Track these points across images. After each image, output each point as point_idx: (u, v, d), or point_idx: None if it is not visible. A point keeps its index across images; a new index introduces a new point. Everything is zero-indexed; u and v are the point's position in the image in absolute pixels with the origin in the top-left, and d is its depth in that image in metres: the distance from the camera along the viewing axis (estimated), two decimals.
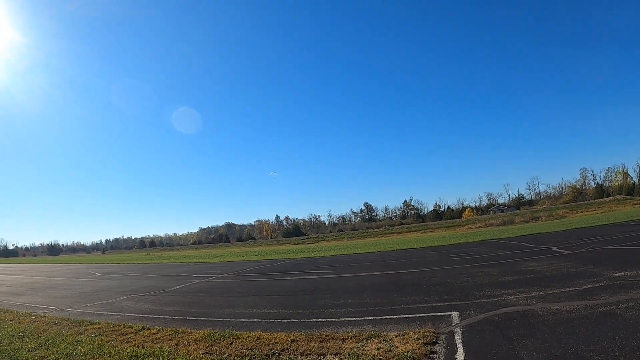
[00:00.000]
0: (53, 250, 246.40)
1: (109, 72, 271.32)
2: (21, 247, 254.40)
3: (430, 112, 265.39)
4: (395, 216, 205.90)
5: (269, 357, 7.36)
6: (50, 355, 8.39)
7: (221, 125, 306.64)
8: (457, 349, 6.86)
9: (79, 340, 9.53)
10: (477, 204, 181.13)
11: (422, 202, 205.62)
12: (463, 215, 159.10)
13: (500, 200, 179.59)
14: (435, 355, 6.66)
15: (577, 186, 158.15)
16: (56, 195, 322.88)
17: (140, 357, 7.87)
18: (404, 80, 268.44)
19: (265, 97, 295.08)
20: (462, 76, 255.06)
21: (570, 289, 10.66)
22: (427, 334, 7.79)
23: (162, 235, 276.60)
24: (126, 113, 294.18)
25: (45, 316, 13.30)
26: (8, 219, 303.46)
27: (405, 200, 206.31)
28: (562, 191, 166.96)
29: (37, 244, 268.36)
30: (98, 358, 7.99)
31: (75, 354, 8.38)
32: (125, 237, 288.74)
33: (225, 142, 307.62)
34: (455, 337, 7.58)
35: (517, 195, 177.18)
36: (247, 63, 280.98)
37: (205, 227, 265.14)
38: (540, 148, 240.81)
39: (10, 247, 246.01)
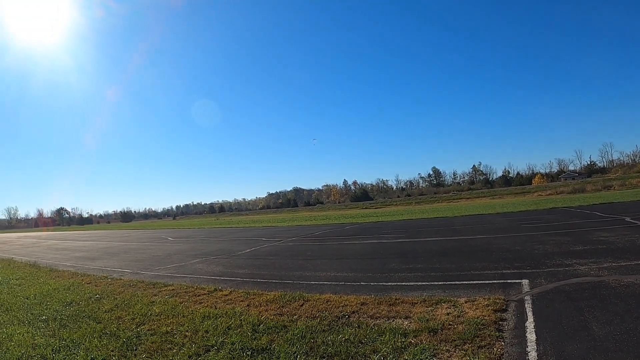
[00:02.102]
0: (126, 217, 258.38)
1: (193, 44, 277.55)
2: (95, 215, 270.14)
3: (499, 75, 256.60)
4: (463, 181, 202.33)
5: (338, 319, 7.46)
6: (126, 316, 8.83)
7: (286, 92, 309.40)
8: (527, 317, 6.74)
9: (153, 302, 10.00)
10: (547, 171, 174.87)
11: (490, 167, 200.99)
12: (532, 182, 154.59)
13: (571, 167, 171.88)
14: (505, 323, 6.56)
15: None
16: (128, 164, 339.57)
17: (213, 317, 8.15)
18: (470, 43, 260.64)
19: (334, 64, 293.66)
20: (532, 38, 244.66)
21: None
22: (497, 301, 7.68)
23: (231, 201, 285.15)
24: (197, 79, 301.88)
25: (121, 279, 14.02)
26: (83, 189, 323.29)
27: (474, 166, 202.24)
28: (636, 159, 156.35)
29: (110, 211, 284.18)
30: (172, 318, 8.34)
31: (150, 314, 8.79)
32: (195, 202, 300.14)
33: (293, 106, 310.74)
34: (526, 305, 7.44)
35: (588, 162, 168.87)
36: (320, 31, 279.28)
37: (274, 192, 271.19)
38: (613, 111, 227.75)
39: (85, 215, 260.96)
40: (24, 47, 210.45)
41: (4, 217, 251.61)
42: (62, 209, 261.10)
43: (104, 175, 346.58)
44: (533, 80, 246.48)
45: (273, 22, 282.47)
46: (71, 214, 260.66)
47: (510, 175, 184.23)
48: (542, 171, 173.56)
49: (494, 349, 5.51)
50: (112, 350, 6.64)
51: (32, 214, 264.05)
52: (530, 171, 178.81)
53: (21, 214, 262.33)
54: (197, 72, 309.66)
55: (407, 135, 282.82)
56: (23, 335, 7.98)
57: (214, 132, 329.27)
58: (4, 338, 7.92)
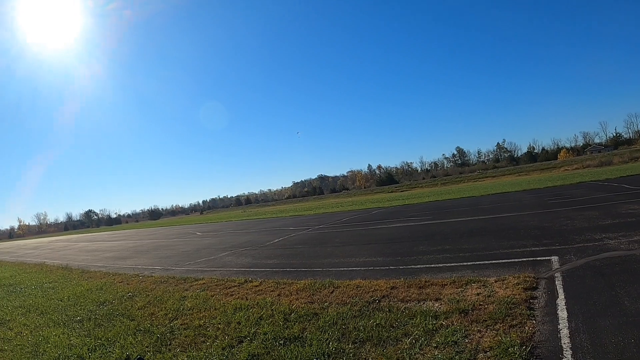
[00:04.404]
0: (153, 215, 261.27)
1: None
2: (123, 215, 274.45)
3: (519, 50, 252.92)
4: (488, 160, 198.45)
5: (369, 304, 7.51)
6: (159, 312, 9.02)
7: (308, 77, 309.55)
8: (557, 294, 6.70)
9: (185, 296, 10.18)
10: (573, 145, 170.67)
11: (515, 144, 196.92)
12: (558, 157, 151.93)
13: (596, 140, 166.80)
14: (536, 301, 6.53)
15: None
16: (153, 163, 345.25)
17: (244, 308, 8.28)
18: (490, 17, 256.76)
19: (354, 48, 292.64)
20: (552, 8, 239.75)
21: None
22: (527, 279, 7.64)
23: (256, 192, 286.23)
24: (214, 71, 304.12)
25: (152, 276, 14.24)
26: (110, 190, 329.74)
27: (498, 143, 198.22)
28: None
29: (138, 210, 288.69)
30: (204, 312, 8.49)
31: (183, 309, 8.95)
32: (221, 196, 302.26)
33: (312, 94, 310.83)
34: (556, 282, 7.40)
35: (614, 134, 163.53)
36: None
37: (299, 181, 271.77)
38: (637, 80, 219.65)
39: (114, 215, 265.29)
40: (41, 55, 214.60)
41: (34, 223, 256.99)
42: (90, 211, 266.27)
43: (130, 176, 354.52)
44: (554, 52, 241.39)
45: (296, 12, 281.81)
46: (99, 216, 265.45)
47: (535, 151, 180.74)
48: (568, 145, 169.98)
49: (526, 327, 5.50)
50: (146, 346, 6.80)
51: (62, 218, 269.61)
52: (556, 146, 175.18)
53: (50, 218, 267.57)
54: (219, 68, 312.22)
55: (429, 116, 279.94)
56: (59, 336, 8.20)
57: (236, 126, 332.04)
58: (41, 340, 8.14)
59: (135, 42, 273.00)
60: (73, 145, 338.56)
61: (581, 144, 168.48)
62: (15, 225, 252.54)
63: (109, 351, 6.89)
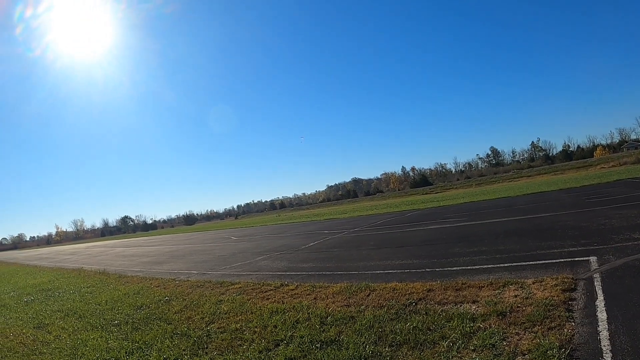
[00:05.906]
0: (189, 220, 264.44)
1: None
2: (159, 220, 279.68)
3: (553, 46, 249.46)
4: (522, 159, 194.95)
5: (405, 307, 7.51)
6: (195, 316, 9.17)
7: (341, 80, 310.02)
8: (597, 295, 6.61)
9: (221, 300, 10.32)
10: (609, 141, 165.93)
11: (549, 142, 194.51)
12: (594, 154, 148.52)
13: (633, 136, 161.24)
14: (575, 302, 6.45)
15: None
16: (188, 169, 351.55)
17: (280, 312, 8.37)
18: (524, 16, 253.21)
19: (384, 50, 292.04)
20: (585, 9, 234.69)
21: None
22: (565, 280, 7.56)
23: (291, 197, 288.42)
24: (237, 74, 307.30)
25: (188, 280, 14.46)
26: (145, 196, 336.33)
27: (533, 142, 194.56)
28: None
29: (173, 215, 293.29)
30: (241, 315, 8.61)
31: (219, 312, 9.10)
32: (255, 201, 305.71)
33: (347, 96, 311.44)
34: (595, 283, 7.29)
35: None
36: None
37: (333, 184, 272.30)
38: None
39: (149, 221, 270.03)
40: (71, 65, 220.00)
41: (71, 229, 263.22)
42: (126, 217, 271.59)
43: (165, 182, 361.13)
44: (587, 48, 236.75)
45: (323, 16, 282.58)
46: (136, 221, 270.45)
47: (570, 149, 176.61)
48: (603, 142, 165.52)
49: (565, 329, 5.46)
50: (183, 350, 6.95)
51: (98, 224, 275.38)
52: (591, 143, 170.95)
53: (87, 225, 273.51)
54: (250, 74, 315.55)
55: (462, 116, 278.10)
56: (97, 340, 8.41)
57: (269, 131, 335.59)
58: (79, 344, 8.37)
59: (162, 49, 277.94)
60: (109, 152, 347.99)
61: (617, 141, 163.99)
62: (53, 231, 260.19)
63: (147, 354, 7.07)
